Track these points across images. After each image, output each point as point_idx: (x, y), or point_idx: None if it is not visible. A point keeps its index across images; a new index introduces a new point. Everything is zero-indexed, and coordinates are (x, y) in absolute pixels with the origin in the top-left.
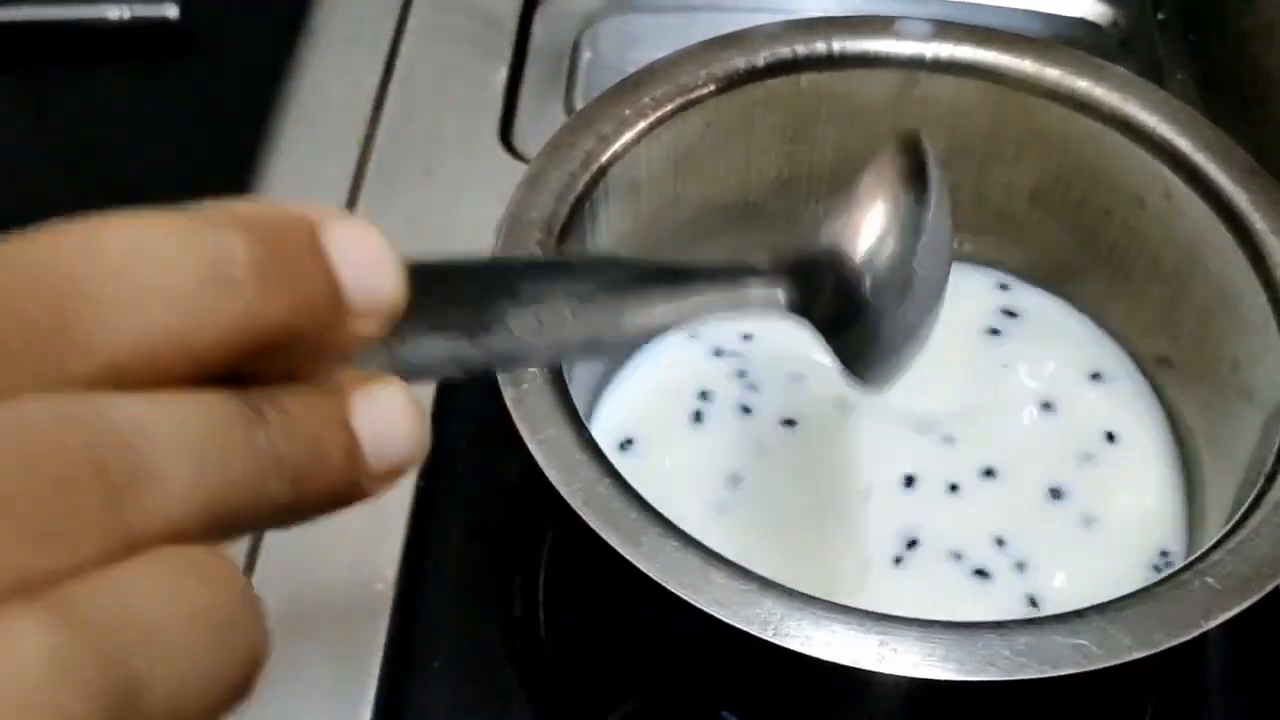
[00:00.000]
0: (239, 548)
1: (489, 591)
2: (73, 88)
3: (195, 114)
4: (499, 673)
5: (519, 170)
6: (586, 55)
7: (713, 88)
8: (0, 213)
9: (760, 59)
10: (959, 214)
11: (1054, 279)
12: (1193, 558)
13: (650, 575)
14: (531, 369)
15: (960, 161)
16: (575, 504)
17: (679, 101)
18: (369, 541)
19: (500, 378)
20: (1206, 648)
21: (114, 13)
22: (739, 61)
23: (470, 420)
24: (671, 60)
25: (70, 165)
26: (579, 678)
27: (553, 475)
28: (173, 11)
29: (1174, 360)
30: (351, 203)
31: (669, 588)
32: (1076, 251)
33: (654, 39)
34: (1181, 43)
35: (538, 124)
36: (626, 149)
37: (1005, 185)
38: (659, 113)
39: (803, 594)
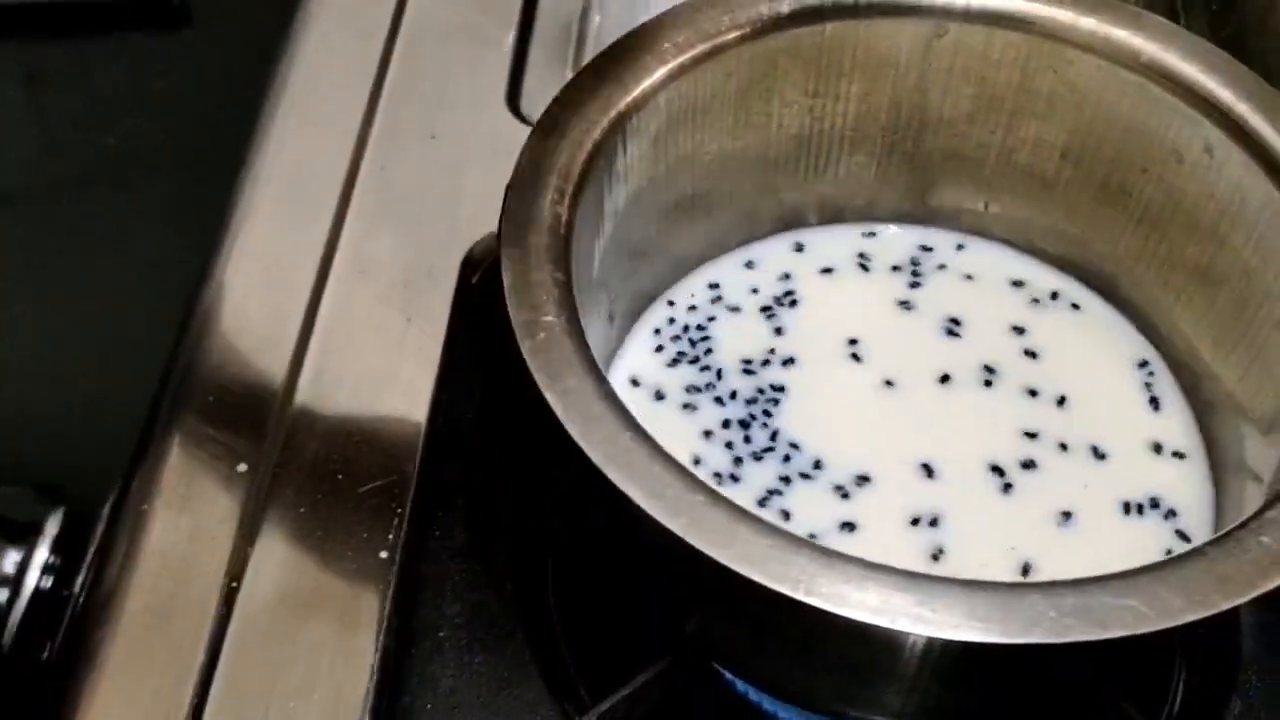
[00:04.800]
0: (234, 513)
1: (495, 559)
2: (70, 63)
3: (194, 85)
4: (506, 643)
5: (526, 135)
6: (596, 19)
7: (735, 35)
8: None
9: (785, 5)
10: (985, 174)
11: (1083, 242)
12: (1246, 517)
13: (675, 531)
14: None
15: (988, 117)
16: (595, 457)
17: (701, 49)
18: (372, 507)
19: (516, 327)
20: (1241, 620)
21: None
22: (763, 8)
23: (478, 384)
24: (694, 6)
25: (66, 138)
26: (589, 648)
27: (572, 428)
28: None
29: (1211, 324)
30: (355, 168)
31: (694, 544)
32: (1109, 211)
33: (664, 3)
34: (1205, 12)
35: (545, 89)
36: (646, 97)
37: (1035, 141)
38: (680, 59)
39: (836, 551)
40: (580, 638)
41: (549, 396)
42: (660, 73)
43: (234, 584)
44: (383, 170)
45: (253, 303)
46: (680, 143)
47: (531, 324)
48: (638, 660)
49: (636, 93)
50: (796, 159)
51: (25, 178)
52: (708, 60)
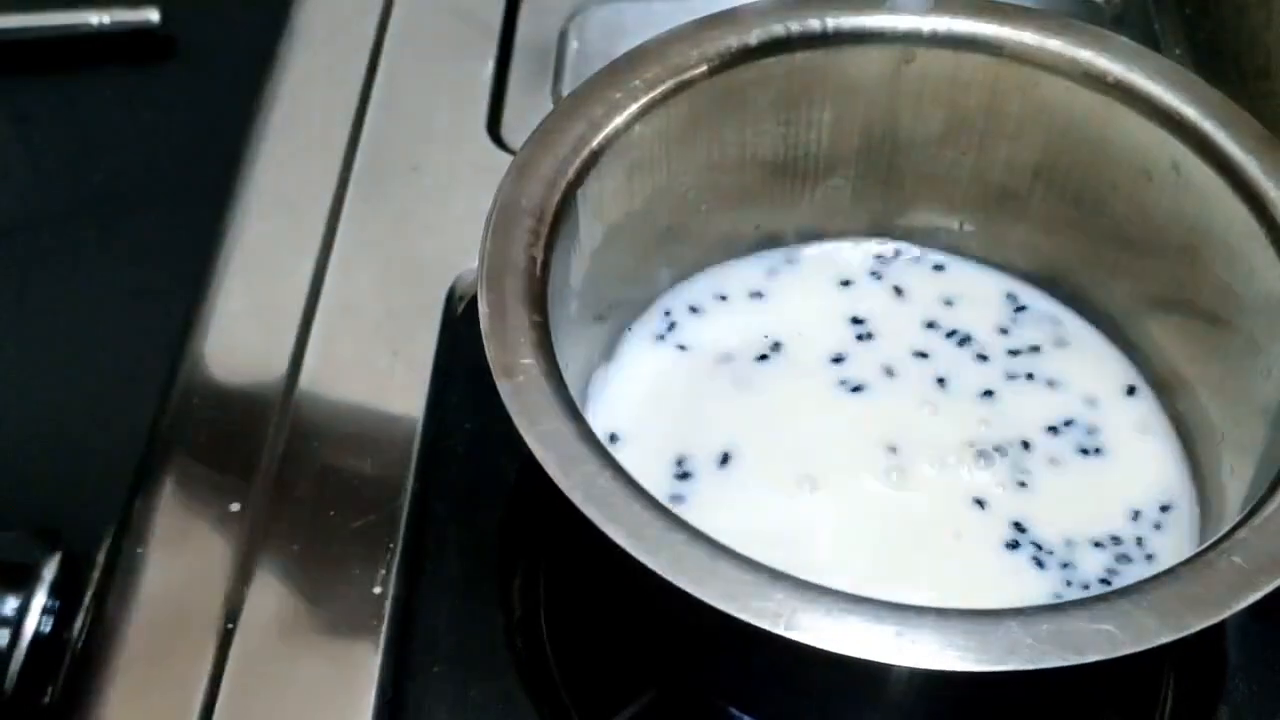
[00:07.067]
0: (229, 553)
1: (489, 592)
2: (54, 95)
3: (179, 118)
4: (501, 676)
5: (508, 163)
6: (574, 45)
7: (705, 68)
8: None
9: (753, 37)
10: (959, 194)
11: (1057, 260)
12: (1217, 536)
13: (656, 570)
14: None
15: (959, 138)
16: (575, 498)
17: (670, 83)
18: (365, 543)
19: (495, 371)
20: (1226, 629)
21: (95, 19)
22: (731, 40)
23: (466, 417)
24: (662, 40)
25: (53, 173)
26: (583, 679)
27: (551, 469)
28: (154, 16)
29: (1187, 338)
30: (339, 200)
31: (676, 582)
32: (1081, 229)
33: (642, 27)
34: (1178, 16)
35: (525, 116)
36: (618, 133)
37: (1006, 162)
38: (650, 95)
39: (816, 585)
40: (573, 669)
41: (528, 439)
42: (631, 109)
43: (230, 625)
44: (366, 204)
45: (240, 342)
46: (654, 175)
47: (510, 367)
48: (631, 690)
49: (608, 129)
50: (772, 186)
51: (13, 214)
52: (677, 94)
